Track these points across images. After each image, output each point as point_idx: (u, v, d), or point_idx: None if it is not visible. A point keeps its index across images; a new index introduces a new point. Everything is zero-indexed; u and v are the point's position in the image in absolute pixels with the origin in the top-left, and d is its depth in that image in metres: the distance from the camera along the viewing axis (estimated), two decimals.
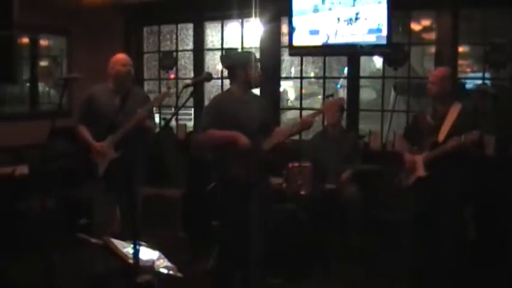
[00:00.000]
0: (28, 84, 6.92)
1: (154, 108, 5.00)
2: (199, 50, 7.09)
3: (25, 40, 6.72)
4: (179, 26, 7.24)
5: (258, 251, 3.97)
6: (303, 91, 7.08)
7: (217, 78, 6.85)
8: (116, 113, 4.37)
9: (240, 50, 6.66)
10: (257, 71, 4.05)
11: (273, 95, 6.58)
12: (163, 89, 7.38)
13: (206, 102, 7.21)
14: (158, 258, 2.64)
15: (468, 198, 4.41)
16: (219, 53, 6.97)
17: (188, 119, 7.66)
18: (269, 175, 4.34)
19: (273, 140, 4.02)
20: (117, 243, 2.67)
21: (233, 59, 4.37)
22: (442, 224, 4.11)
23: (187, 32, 7.30)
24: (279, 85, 6.77)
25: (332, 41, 5.67)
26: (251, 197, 3.85)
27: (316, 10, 5.78)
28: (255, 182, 3.91)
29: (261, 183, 4.03)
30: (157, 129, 6.94)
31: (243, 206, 3.87)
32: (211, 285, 4.33)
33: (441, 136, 4.08)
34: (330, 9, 5.68)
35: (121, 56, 4.53)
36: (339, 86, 8.80)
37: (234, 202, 3.91)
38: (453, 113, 4.10)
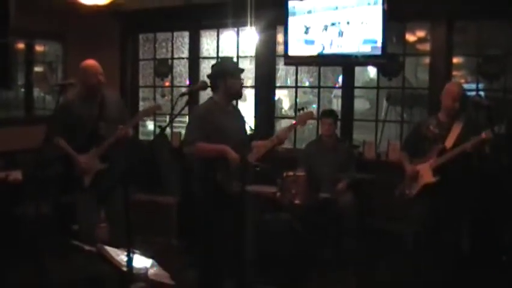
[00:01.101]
0: (23, 90, 6.92)
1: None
2: (194, 58, 7.09)
3: (20, 45, 6.71)
4: (175, 33, 7.25)
5: (243, 260, 3.90)
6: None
7: None
8: (95, 122, 4.32)
9: (234, 58, 6.67)
10: (239, 82, 3.95)
11: (268, 104, 6.59)
12: (158, 97, 7.42)
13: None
14: (151, 266, 2.64)
15: (470, 206, 4.45)
16: (214, 62, 6.97)
17: (183, 127, 7.66)
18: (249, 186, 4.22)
19: (256, 153, 3.96)
20: (111, 250, 2.68)
21: (213, 69, 4.07)
22: (450, 229, 4.16)
23: (183, 39, 7.30)
24: (274, 94, 6.78)
25: (327, 51, 5.69)
26: (235, 208, 3.71)
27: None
28: (240, 193, 3.82)
29: (245, 194, 3.97)
30: (152, 137, 6.97)
31: (227, 216, 3.79)
32: None
33: (449, 143, 4.15)
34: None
35: (92, 63, 4.37)
36: (333, 95, 8.84)
37: (219, 213, 3.85)
38: (459, 123, 4.22)
